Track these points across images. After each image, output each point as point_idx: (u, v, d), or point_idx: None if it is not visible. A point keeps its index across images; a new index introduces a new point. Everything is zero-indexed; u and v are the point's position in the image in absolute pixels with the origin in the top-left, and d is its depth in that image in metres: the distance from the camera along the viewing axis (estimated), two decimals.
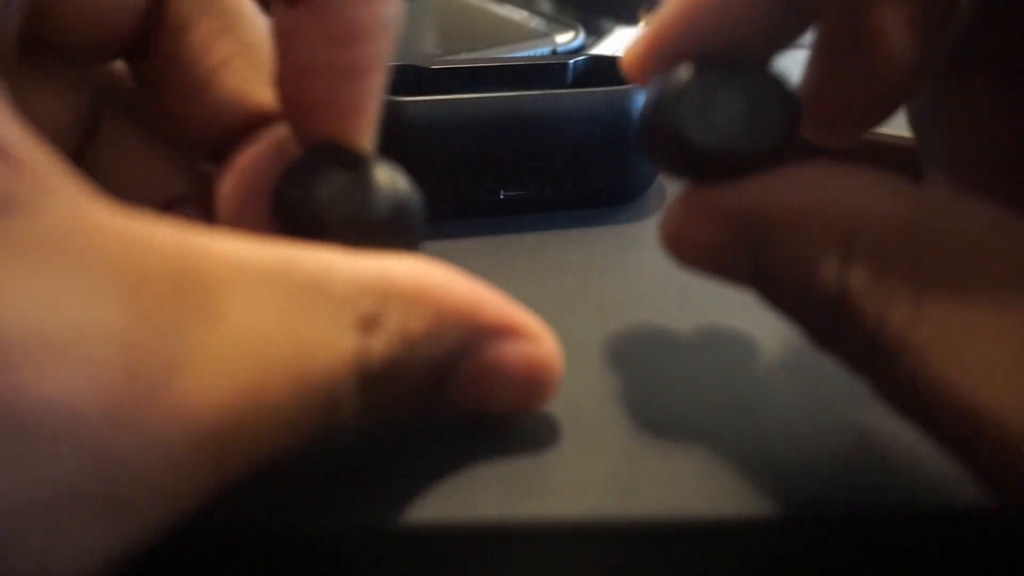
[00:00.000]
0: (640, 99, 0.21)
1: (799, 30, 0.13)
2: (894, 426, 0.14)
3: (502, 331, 0.12)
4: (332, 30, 0.12)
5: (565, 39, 0.37)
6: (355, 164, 0.13)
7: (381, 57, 0.12)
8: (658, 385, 0.15)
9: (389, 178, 0.13)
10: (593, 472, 0.13)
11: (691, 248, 0.12)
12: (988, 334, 0.09)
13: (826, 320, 0.11)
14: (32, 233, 0.08)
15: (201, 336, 0.08)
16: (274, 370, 0.09)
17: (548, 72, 0.24)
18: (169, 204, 0.16)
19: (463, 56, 0.31)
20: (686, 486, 0.13)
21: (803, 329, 0.12)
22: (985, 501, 0.13)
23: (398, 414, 0.12)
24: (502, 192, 0.22)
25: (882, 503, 0.13)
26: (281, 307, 0.09)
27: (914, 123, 0.15)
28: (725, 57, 0.12)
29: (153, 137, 0.16)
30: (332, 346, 0.10)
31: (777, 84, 0.12)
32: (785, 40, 0.13)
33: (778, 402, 0.15)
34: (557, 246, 0.21)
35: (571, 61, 0.24)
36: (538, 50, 0.35)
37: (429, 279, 0.11)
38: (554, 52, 0.36)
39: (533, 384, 0.12)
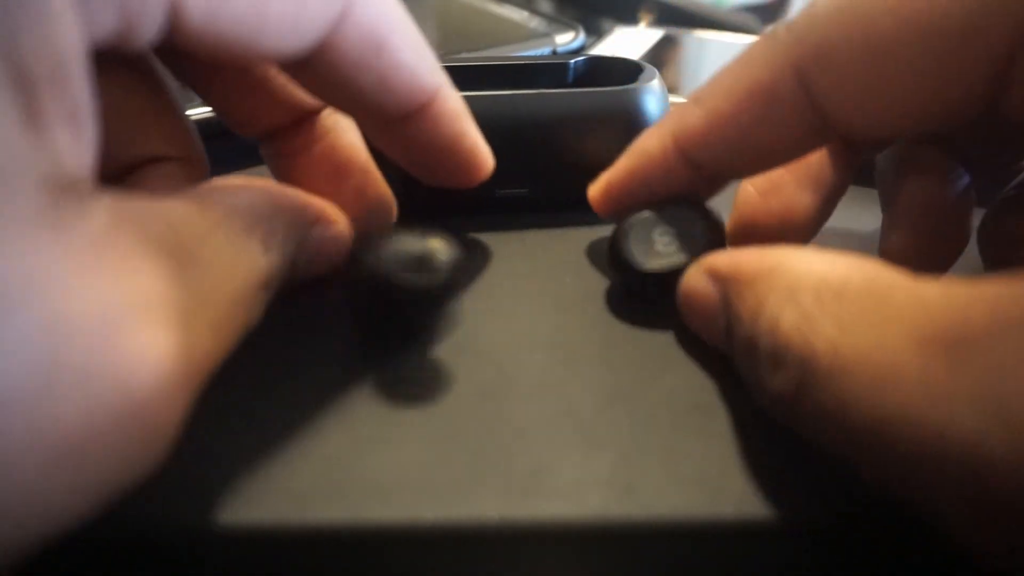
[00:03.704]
0: (641, 100, 0.22)
1: (711, 192, 0.18)
2: None
3: (320, 219, 0.16)
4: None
5: (565, 39, 0.37)
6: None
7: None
8: (658, 385, 0.15)
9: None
10: (593, 472, 0.13)
11: (694, 305, 0.15)
12: (896, 342, 0.10)
13: (752, 360, 0.13)
14: (89, 226, 0.10)
15: (196, 283, 0.11)
16: (236, 298, 0.12)
17: (548, 72, 0.24)
18: (142, 163, 0.16)
19: (463, 56, 0.31)
20: (686, 486, 0.13)
21: (748, 378, 0.14)
22: None
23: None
24: (497, 191, 0.22)
25: (882, 503, 0.13)
26: (228, 247, 0.12)
27: (877, 185, 0.20)
28: (669, 200, 0.17)
29: (135, 94, 0.16)
30: (255, 269, 0.13)
31: (702, 215, 0.17)
32: (706, 195, 0.18)
33: None
34: (557, 245, 0.21)
35: (571, 61, 0.24)
36: (538, 50, 0.35)
37: (288, 196, 0.15)
38: (554, 52, 0.36)
39: (339, 253, 0.17)
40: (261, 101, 0.17)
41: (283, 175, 0.19)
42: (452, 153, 0.17)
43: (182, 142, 0.17)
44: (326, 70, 0.14)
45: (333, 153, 0.18)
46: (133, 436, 0.10)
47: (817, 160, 0.18)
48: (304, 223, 0.15)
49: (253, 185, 0.14)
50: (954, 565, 0.13)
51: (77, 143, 0.10)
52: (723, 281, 0.15)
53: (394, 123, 0.16)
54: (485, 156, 0.17)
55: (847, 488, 0.13)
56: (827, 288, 0.12)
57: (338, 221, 0.17)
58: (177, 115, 0.17)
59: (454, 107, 0.16)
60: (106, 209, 0.10)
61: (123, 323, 0.09)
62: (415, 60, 0.15)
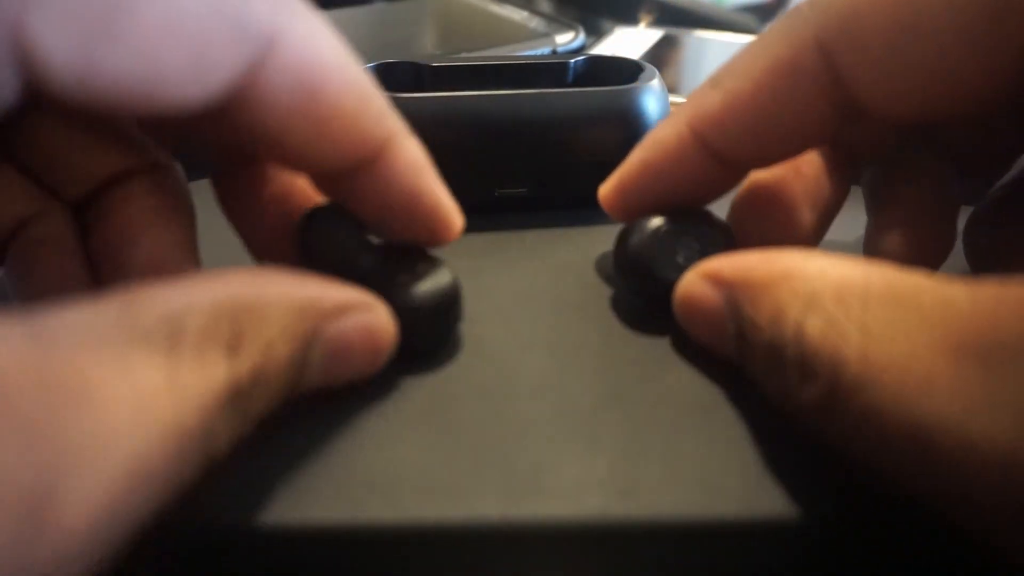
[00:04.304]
0: (641, 100, 0.21)
1: (729, 184, 0.17)
2: None
3: (341, 310, 0.13)
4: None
5: (565, 39, 0.37)
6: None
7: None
8: (658, 385, 0.15)
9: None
10: (593, 472, 0.13)
11: (695, 311, 0.15)
12: (925, 350, 0.10)
13: (777, 369, 0.13)
14: None
15: (74, 432, 0.08)
16: (153, 437, 0.09)
17: (548, 72, 0.24)
18: (109, 182, 0.16)
19: (463, 56, 0.31)
20: (686, 486, 0.13)
21: (771, 386, 0.13)
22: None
23: (261, 416, 0.12)
24: (497, 190, 0.22)
25: (882, 503, 0.13)
26: (146, 364, 0.09)
27: (864, 188, 0.20)
28: (682, 209, 0.17)
29: (89, 113, 0.15)
30: (205, 384, 0.10)
31: (718, 227, 0.17)
32: (720, 192, 0.17)
33: None
34: (557, 245, 0.21)
35: (571, 61, 0.24)
36: (538, 50, 0.35)
37: (271, 287, 0.12)
38: (554, 52, 0.36)
39: (376, 348, 0.14)
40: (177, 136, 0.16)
41: (234, 218, 0.17)
42: (410, 212, 0.15)
43: (142, 151, 0.16)
44: (248, 120, 0.13)
45: (285, 198, 0.16)
46: None
47: (815, 176, 0.18)
48: (313, 314, 0.12)
49: (210, 284, 0.11)
50: (954, 565, 0.13)
51: None
52: (730, 287, 0.14)
53: (338, 177, 0.14)
54: (450, 216, 0.15)
55: (848, 488, 0.13)
56: (849, 293, 0.12)
57: (369, 309, 0.13)
58: (129, 123, 0.16)
59: (410, 159, 0.14)
60: None
61: None
62: (358, 106, 0.13)
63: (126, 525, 0.09)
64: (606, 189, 0.18)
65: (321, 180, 0.15)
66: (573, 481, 0.13)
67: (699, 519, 0.12)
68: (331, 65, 0.13)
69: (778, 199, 0.18)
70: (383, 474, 0.13)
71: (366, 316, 0.13)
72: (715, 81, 0.16)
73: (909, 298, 0.11)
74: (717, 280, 0.15)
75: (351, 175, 0.14)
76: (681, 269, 0.16)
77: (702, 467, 0.13)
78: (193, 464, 0.10)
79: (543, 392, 0.15)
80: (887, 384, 0.10)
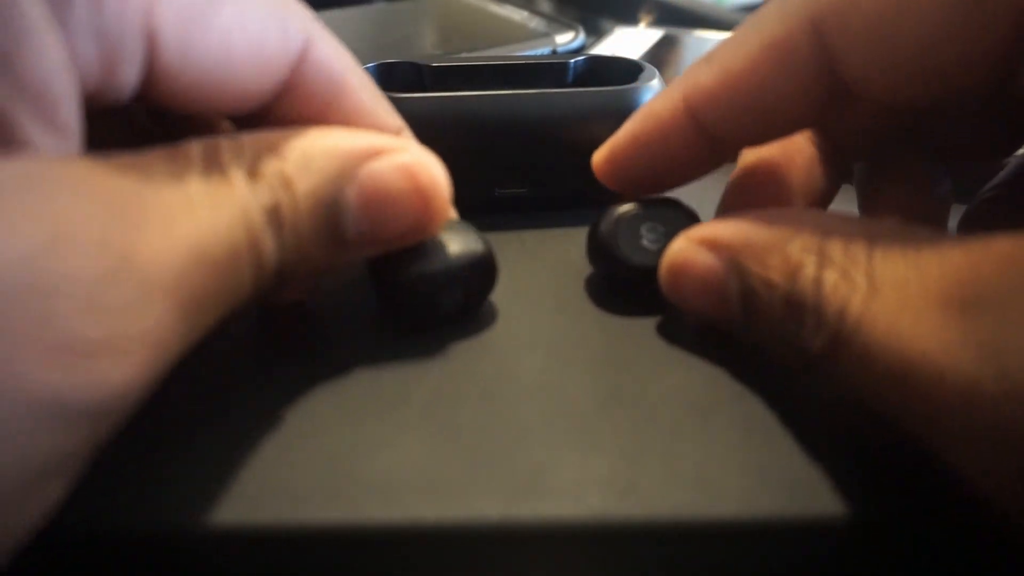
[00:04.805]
0: (641, 100, 0.22)
1: (717, 162, 0.17)
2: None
3: (371, 153, 0.14)
4: None
5: (565, 39, 0.37)
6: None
7: None
8: (658, 385, 0.15)
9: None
10: (593, 472, 0.13)
11: (690, 277, 0.15)
12: (917, 299, 0.11)
13: (797, 321, 0.13)
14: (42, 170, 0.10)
15: (139, 211, 0.11)
16: (205, 227, 0.11)
17: (548, 72, 0.24)
18: None
19: (463, 56, 0.31)
20: (686, 486, 0.13)
21: (781, 340, 0.14)
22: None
23: (316, 260, 0.14)
24: (497, 190, 0.22)
25: (882, 503, 0.13)
26: (189, 176, 0.12)
27: (856, 185, 0.20)
28: (653, 197, 0.17)
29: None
30: (234, 200, 0.12)
31: (684, 212, 0.17)
32: (707, 168, 0.17)
33: (778, 402, 0.15)
34: (557, 245, 0.21)
35: (571, 61, 0.24)
36: (538, 50, 0.35)
37: (298, 132, 0.13)
38: (554, 52, 0.36)
39: (422, 192, 0.14)
40: None
41: None
42: None
43: None
44: (290, 115, 0.14)
45: None
46: None
47: (807, 167, 0.18)
48: (339, 154, 0.13)
49: (256, 133, 0.13)
50: (952, 564, 0.13)
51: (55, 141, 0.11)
52: (731, 249, 0.14)
53: None
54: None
55: (847, 488, 0.13)
56: (856, 245, 0.13)
57: (402, 150, 0.14)
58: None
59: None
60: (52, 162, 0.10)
61: None
62: (375, 101, 0.15)
63: (197, 301, 0.11)
64: (599, 157, 0.18)
65: None
66: (573, 481, 0.13)
67: (698, 519, 0.12)
68: (350, 67, 0.15)
69: (771, 187, 0.18)
70: (383, 474, 0.13)
71: (404, 155, 0.14)
72: (710, 57, 0.16)
73: (910, 251, 0.12)
74: (714, 244, 0.15)
75: None
76: (646, 252, 0.17)
77: (701, 467, 0.13)
78: (247, 260, 0.12)
79: (543, 392, 0.15)
80: (880, 327, 0.12)
